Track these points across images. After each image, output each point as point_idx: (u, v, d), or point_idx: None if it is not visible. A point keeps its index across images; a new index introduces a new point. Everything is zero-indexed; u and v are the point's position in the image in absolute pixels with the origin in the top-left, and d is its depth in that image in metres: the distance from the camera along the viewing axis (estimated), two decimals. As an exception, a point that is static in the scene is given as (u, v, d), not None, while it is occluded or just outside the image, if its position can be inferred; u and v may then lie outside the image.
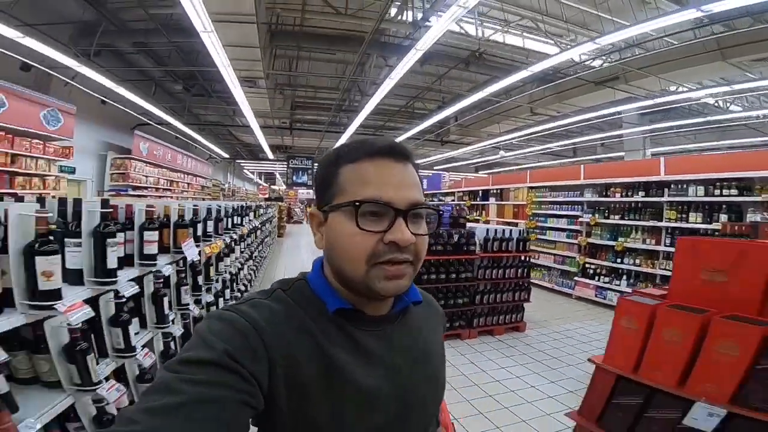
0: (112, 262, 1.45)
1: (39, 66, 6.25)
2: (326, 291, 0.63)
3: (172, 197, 12.24)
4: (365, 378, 0.59)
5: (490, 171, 20.47)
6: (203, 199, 12.58)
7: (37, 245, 1.15)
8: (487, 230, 5.08)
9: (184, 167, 14.32)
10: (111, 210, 1.50)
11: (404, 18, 7.09)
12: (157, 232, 1.82)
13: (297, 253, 11.97)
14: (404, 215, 0.58)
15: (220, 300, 2.91)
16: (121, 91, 7.36)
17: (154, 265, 1.81)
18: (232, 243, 3.29)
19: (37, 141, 6.64)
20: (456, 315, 4.67)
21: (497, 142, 13.35)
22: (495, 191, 9.70)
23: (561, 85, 8.60)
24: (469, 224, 5.58)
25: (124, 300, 1.53)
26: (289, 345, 0.56)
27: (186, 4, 3.87)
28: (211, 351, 0.50)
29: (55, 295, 1.18)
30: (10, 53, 5.44)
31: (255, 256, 5.56)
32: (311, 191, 29.95)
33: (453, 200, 11.71)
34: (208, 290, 2.71)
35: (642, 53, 7.23)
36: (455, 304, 4.62)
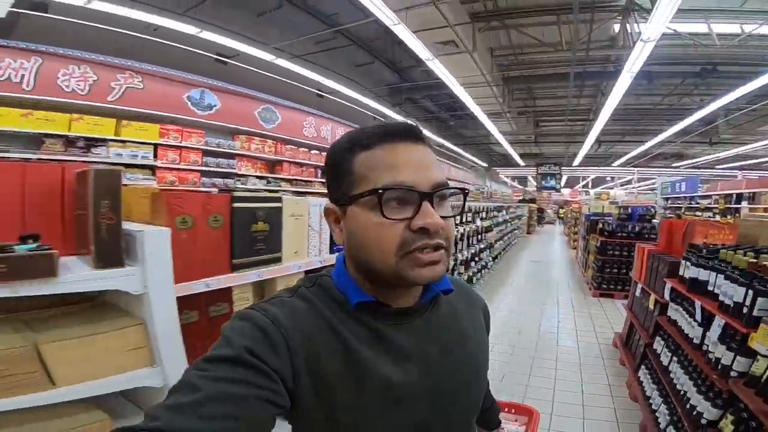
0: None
1: (376, 116, 10.57)
2: (348, 285, 0.61)
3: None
4: (391, 372, 0.57)
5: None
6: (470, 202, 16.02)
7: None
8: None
9: (455, 176, 18.16)
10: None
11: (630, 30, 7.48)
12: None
13: (535, 247, 13.38)
14: (429, 198, 0.54)
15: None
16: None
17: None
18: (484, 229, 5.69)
19: None
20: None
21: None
22: (748, 195, 8.65)
23: None
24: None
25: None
26: (312, 341, 0.55)
27: (447, 81, 6.56)
28: (231, 348, 0.50)
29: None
30: (362, 108, 9.67)
31: (504, 239, 8.65)
32: (562, 194, 29.08)
33: (709, 203, 10.49)
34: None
35: None
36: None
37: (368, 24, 5.79)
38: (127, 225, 1.13)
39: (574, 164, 18.75)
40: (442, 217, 0.55)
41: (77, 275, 1.04)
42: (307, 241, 1.84)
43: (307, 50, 7.02)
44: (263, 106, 6.97)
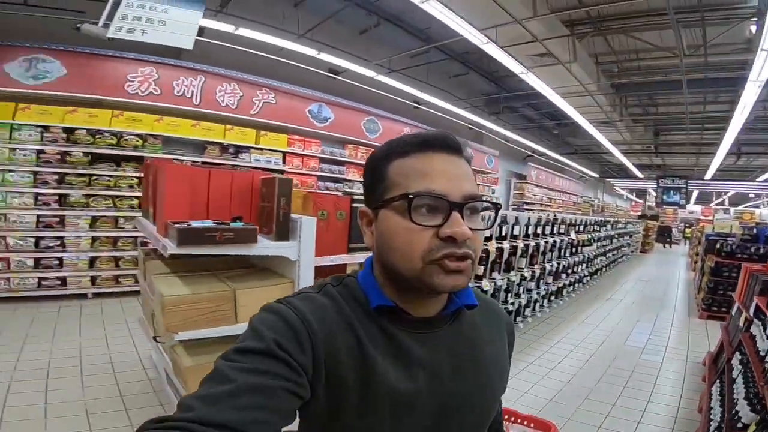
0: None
1: (471, 126, 10.79)
2: (371, 288, 0.62)
3: (550, 211, 15.57)
4: (400, 381, 0.57)
5: None
6: (574, 214, 15.13)
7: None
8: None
9: (559, 187, 17.24)
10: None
11: None
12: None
13: (648, 266, 11.98)
14: (460, 208, 0.55)
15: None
16: (513, 135, 11.13)
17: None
18: (581, 242, 5.73)
19: (484, 176, 11.42)
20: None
21: None
22: None
23: None
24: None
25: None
26: (333, 339, 0.56)
27: (544, 92, 6.54)
28: (261, 341, 0.51)
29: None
30: (455, 118, 9.93)
31: (608, 255, 8.73)
32: (693, 211, 25.36)
33: None
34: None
35: None
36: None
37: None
38: (291, 214, 1.76)
39: (705, 178, 16.36)
40: (471, 230, 0.56)
41: (265, 244, 1.67)
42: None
43: (404, 65, 7.53)
44: (367, 117, 7.75)
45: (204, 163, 5.41)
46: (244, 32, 5.17)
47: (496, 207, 0.63)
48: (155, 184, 1.96)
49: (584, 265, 7.21)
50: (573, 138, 16.17)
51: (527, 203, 13.81)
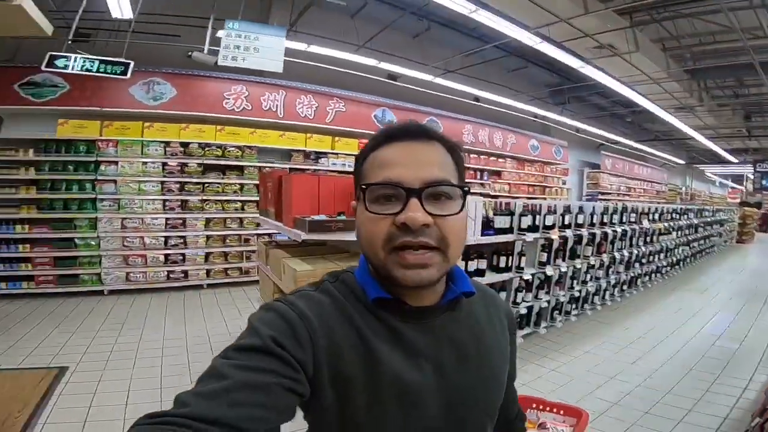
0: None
1: (536, 119, 10.59)
2: (367, 282, 0.62)
3: (629, 200, 14.72)
4: (405, 372, 0.58)
5: None
6: (658, 203, 14.16)
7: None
8: None
9: (639, 175, 16.19)
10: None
11: None
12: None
13: (745, 257, 10.95)
14: (418, 195, 0.54)
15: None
16: (582, 125, 10.81)
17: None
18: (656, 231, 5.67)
19: (553, 167, 11.33)
20: None
21: None
22: None
23: None
24: None
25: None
26: (334, 335, 0.56)
27: (606, 83, 6.42)
28: (258, 338, 0.52)
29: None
30: (519, 113, 9.82)
31: (692, 245, 8.57)
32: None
33: None
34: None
35: None
36: None
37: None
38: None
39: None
40: (436, 215, 0.55)
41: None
42: (471, 224, 2.78)
43: (460, 64, 7.67)
44: (428, 118, 8.15)
45: (291, 169, 6.22)
46: (315, 49, 5.77)
47: (464, 190, 0.59)
48: (278, 189, 2.60)
49: (662, 255, 6.95)
50: (651, 124, 15.06)
51: (603, 193, 13.29)
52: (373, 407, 0.56)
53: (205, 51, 4.90)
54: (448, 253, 0.57)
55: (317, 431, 0.61)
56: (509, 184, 9.92)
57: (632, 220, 5.59)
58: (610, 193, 13.72)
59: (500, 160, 9.81)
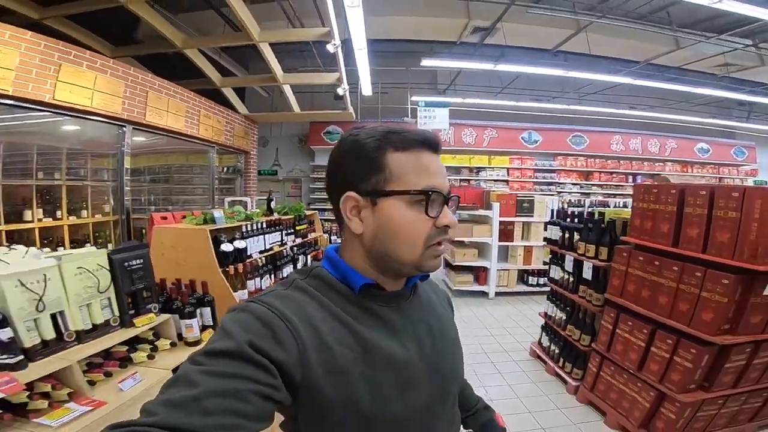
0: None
1: (722, 129, 10.12)
2: (348, 272, 0.64)
3: None
4: (394, 348, 0.62)
5: None
6: None
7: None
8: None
9: None
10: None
11: None
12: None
13: None
14: (448, 201, 0.63)
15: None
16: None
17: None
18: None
19: (732, 168, 11.08)
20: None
21: None
22: None
23: None
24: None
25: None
26: (319, 332, 0.57)
27: None
28: (231, 342, 0.50)
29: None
30: (702, 126, 9.99)
31: None
32: None
33: None
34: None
35: None
36: None
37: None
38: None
39: None
40: None
41: (484, 212, 5.13)
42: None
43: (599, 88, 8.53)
44: (573, 134, 9.83)
45: (460, 180, 9.32)
46: (468, 100, 8.37)
47: (458, 198, 0.69)
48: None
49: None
50: None
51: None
52: (375, 394, 0.58)
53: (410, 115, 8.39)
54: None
55: (319, 430, 0.59)
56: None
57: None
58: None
59: (657, 164, 10.23)
